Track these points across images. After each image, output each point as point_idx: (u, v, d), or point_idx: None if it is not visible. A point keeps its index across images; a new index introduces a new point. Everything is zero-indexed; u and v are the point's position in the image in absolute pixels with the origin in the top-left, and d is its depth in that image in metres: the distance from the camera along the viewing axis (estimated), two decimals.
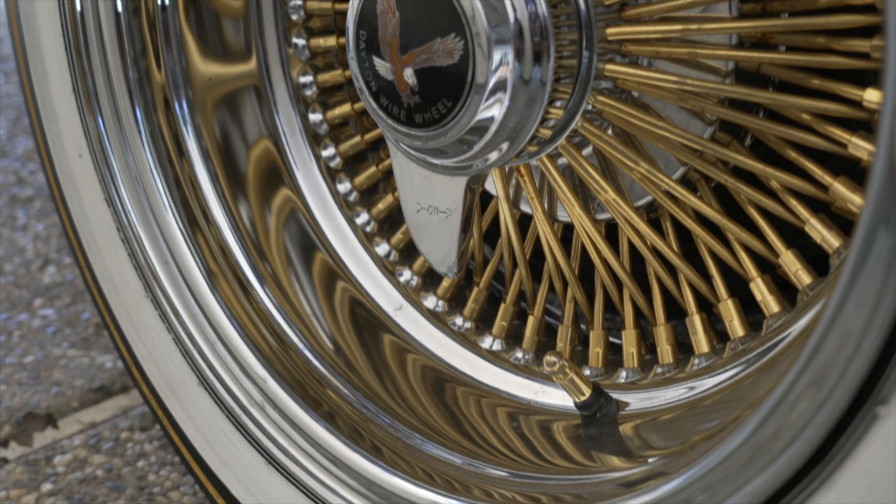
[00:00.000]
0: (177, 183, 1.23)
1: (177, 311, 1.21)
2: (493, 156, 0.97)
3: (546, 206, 1.13)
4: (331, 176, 1.31)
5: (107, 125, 1.20)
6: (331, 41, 1.27)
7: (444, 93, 0.92)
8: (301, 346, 1.20)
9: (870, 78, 0.90)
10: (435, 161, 1.00)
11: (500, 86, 0.91)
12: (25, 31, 1.24)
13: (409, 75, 0.94)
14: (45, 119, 1.25)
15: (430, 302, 1.26)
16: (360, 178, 1.31)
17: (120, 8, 1.16)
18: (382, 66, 0.96)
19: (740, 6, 0.95)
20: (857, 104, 0.88)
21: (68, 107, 1.22)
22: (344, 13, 1.26)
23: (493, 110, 0.92)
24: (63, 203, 1.30)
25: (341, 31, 1.28)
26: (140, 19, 1.18)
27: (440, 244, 1.04)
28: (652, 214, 1.09)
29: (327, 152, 1.30)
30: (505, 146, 0.96)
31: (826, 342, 0.69)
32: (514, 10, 0.90)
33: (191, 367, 1.20)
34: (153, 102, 1.22)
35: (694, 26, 0.92)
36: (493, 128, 0.93)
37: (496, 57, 0.90)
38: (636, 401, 1.07)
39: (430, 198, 1.03)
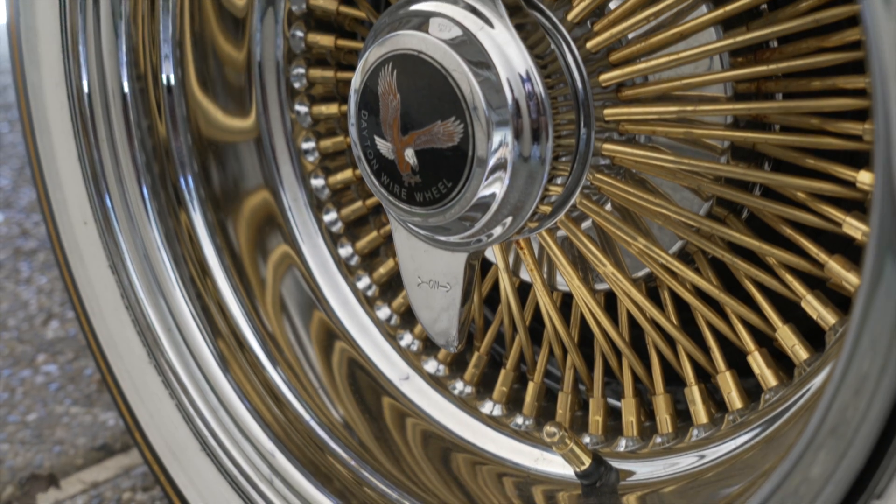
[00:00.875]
0: (181, 251, 1.24)
1: (179, 377, 1.21)
2: (496, 232, 0.98)
3: (545, 275, 1.14)
4: (332, 240, 1.32)
5: (113, 198, 1.21)
6: (333, 108, 1.29)
7: (444, 173, 0.93)
8: (307, 416, 1.20)
9: (863, 157, 0.91)
10: (437, 237, 1.01)
11: (501, 165, 0.92)
12: (32, 100, 1.25)
13: (410, 155, 0.95)
14: (50, 187, 1.26)
15: (431, 366, 1.26)
16: (362, 243, 1.32)
17: (127, 88, 1.18)
18: (384, 146, 0.97)
19: (735, 86, 0.96)
20: (850, 184, 0.89)
21: (73, 176, 1.23)
22: (346, 81, 1.28)
23: (494, 188, 0.93)
24: (67, 267, 1.31)
25: (343, 99, 1.30)
26: (147, 98, 1.20)
27: (440, 317, 1.05)
28: (650, 284, 1.10)
29: (329, 217, 1.32)
30: (507, 222, 0.97)
31: (841, 389, 0.69)
32: (512, 91, 0.91)
33: (193, 434, 1.21)
34: (160, 178, 1.23)
35: (690, 107, 0.93)
36: (495, 206, 0.94)
37: (496, 138, 0.91)
38: (640, 470, 1.07)
39: (431, 272, 1.04)
